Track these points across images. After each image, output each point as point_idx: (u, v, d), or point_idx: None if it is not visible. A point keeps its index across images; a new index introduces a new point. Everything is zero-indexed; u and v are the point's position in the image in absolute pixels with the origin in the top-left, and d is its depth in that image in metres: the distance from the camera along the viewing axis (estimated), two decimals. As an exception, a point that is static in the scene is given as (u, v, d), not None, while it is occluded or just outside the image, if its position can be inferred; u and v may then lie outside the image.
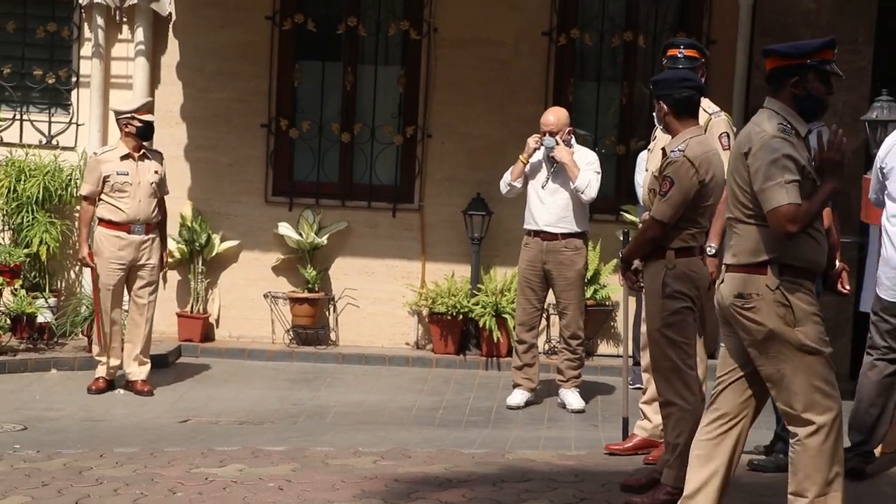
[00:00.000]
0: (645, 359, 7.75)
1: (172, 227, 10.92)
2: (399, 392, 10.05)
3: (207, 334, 11.27)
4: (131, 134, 9.69)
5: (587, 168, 9.32)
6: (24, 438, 8.27)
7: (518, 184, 9.52)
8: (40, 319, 10.73)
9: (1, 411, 9.10)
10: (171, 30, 11.32)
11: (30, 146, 11.26)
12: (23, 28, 11.40)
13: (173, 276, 11.27)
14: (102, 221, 9.69)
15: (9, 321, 10.54)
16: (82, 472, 6.99)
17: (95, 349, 9.86)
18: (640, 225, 7.69)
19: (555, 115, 9.48)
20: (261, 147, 11.32)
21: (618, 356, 10.16)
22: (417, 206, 11.25)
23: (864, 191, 7.73)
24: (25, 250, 10.83)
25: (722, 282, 5.76)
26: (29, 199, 10.89)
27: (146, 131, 9.72)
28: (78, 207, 10.51)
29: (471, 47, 11.15)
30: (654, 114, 7.18)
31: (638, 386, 8.66)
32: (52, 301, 10.89)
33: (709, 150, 6.80)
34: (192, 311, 11.19)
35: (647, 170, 7.95)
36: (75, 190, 10.96)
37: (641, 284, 6.95)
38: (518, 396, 9.50)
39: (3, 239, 11.08)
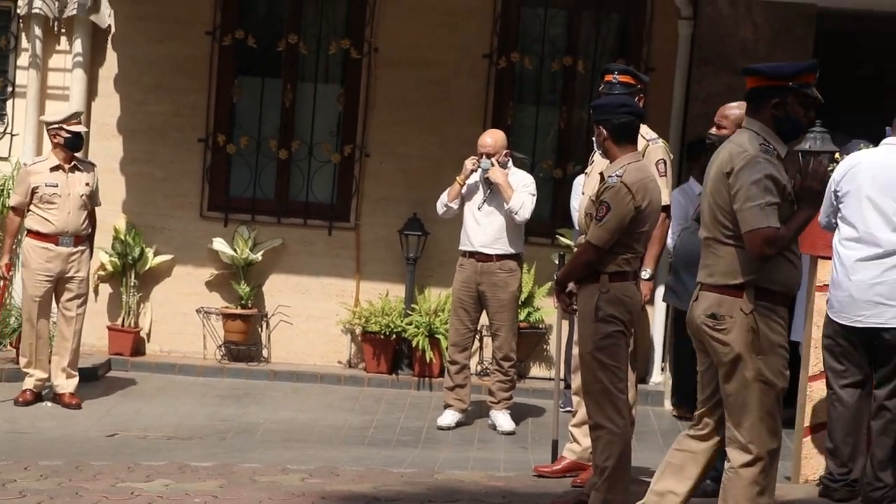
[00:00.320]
0: (576, 381, 7.77)
1: (105, 240, 10.83)
2: (330, 410, 10.00)
3: (138, 348, 11.16)
4: (60, 145, 9.59)
5: (522, 190, 9.36)
6: (-53, 449, 8.15)
7: (454, 205, 9.53)
8: (-32, 330, 10.59)
9: (-75, 422, 8.96)
10: (109, 42, 11.25)
11: (-37, 156, 11.13)
12: (-41, 36, 11.29)
13: (105, 290, 11.16)
14: (31, 233, 9.58)
15: (-65, 331, 10.39)
16: (6, 485, 6.90)
17: (23, 361, 9.73)
18: (576, 248, 7.71)
19: (492, 138, 9.51)
20: (197, 162, 11.25)
21: (549, 379, 10.17)
22: (353, 225, 11.23)
23: None
24: (-45, 260, 10.67)
25: (695, 300, 5.74)
26: (-39, 208, 10.75)
27: (75, 142, 9.61)
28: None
29: (411, 68, 11.15)
30: (594, 138, 7.21)
31: (569, 409, 8.66)
32: (-20, 312, 10.74)
33: (646, 176, 6.84)
34: (123, 325, 11.09)
35: (583, 193, 7.97)
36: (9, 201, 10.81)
37: (575, 307, 6.97)
38: (449, 417, 9.49)
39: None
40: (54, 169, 9.59)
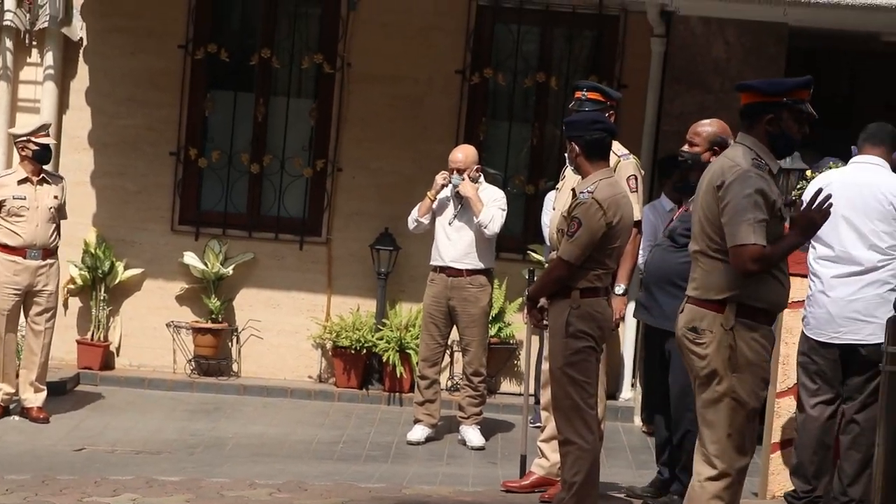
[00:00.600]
0: (545, 397, 7.80)
1: (75, 253, 10.78)
2: (300, 425, 9.97)
3: (107, 362, 11.11)
4: (28, 157, 9.56)
5: (492, 204, 9.40)
6: (-88, 463, 8.09)
7: (425, 220, 9.54)
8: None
9: None
10: (81, 55, 11.22)
11: (-68, 167, 11.05)
12: (-71, 48, 11.23)
13: (74, 303, 11.10)
14: None
15: None
16: (-30, 498, 6.85)
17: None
18: (547, 264, 7.73)
19: (463, 153, 9.53)
20: (169, 175, 11.23)
21: (519, 394, 10.16)
22: (325, 240, 11.21)
23: None
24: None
25: (681, 311, 5.76)
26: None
27: (43, 154, 9.58)
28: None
29: (384, 83, 11.15)
30: (567, 154, 7.23)
31: (538, 424, 8.67)
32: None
33: (618, 192, 6.88)
34: (92, 339, 11.03)
35: (554, 209, 8.00)
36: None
37: (546, 323, 6.99)
38: (419, 432, 9.48)
39: None
40: (22, 182, 9.55)
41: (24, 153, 9.60)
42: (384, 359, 10.72)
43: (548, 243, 8.40)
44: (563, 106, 10.46)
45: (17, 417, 9.64)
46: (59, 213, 9.67)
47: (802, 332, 7.14)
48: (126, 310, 11.20)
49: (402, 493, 7.53)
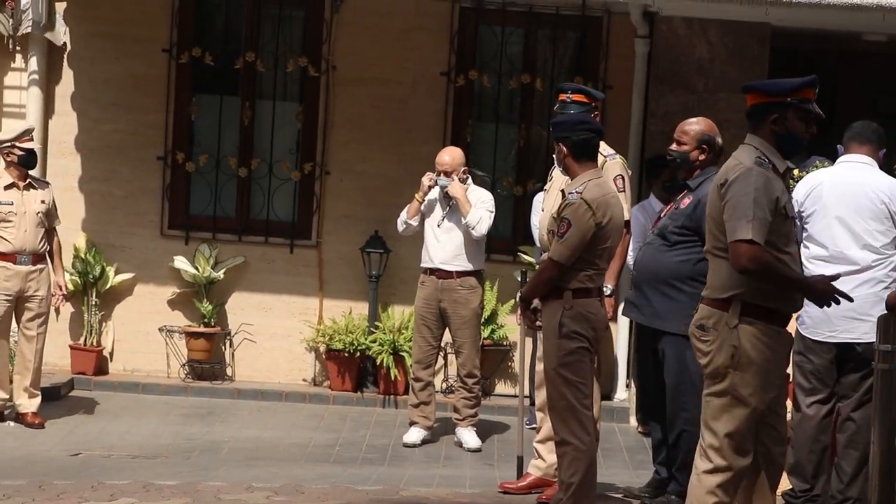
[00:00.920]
0: (540, 398, 7.81)
1: (66, 259, 10.77)
2: (295, 428, 10.01)
3: (101, 367, 11.13)
4: (14, 163, 9.60)
5: (480, 206, 9.42)
6: None
7: (414, 222, 9.58)
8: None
9: None
10: (65, 60, 11.22)
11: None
12: (-87, 55, 11.24)
13: (66, 309, 11.07)
14: None
15: None
16: (-30, 506, 6.89)
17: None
18: (538, 265, 7.78)
19: (449, 155, 9.57)
20: (156, 180, 11.24)
21: (514, 396, 10.22)
22: (315, 243, 11.23)
23: None
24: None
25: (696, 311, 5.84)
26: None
27: (28, 159, 9.61)
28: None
29: (369, 86, 11.17)
30: (555, 155, 7.28)
31: (533, 426, 8.72)
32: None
33: (607, 192, 6.91)
34: (85, 344, 11.06)
35: (543, 210, 8.05)
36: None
37: (540, 324, 7.04)
38: (414, 434, 9.53)
39: None
40: (8, 187, 9.58)
41: (9, 159, 9.63)
42: (378, 361, 10.75)
43: (538, 244, 8.44)
44: (549, 107, 10.50)
45: (11, 423, 9.67)
46: (48, 217, 9.70)
47: (797, 331, 7.16)
48: (118, 314, 11.22)
49: (399, 496, 7.57)
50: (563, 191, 7.04)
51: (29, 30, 10.93)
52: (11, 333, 9.80)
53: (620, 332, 10.68)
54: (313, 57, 11.20)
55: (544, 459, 7.76)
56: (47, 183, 9.96)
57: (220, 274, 11.05)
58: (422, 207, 9.56)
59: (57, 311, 10.71)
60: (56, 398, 10.39)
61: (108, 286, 11.08)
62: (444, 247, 9.46)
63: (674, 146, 7.52)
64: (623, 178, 7.91)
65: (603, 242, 6.83)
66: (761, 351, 5.63)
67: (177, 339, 11.18)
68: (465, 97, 11.24)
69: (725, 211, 5.58)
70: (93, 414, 10.17)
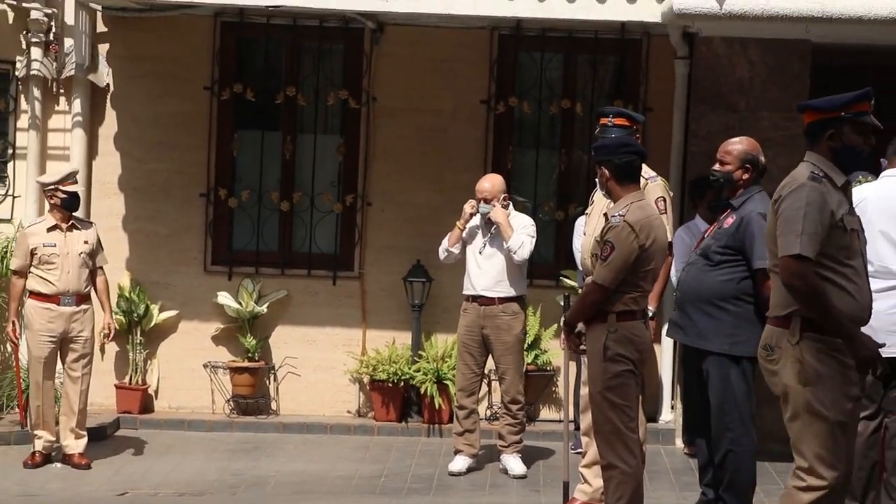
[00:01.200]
0: (585, 422, 7.80)
1: (111, 298, 10.78)
2: (340, 461, 9.97)
3: (146, 405, 11.14)
4: (56, 206, 9.63)
5: (521, 231, 9.40)
6: (-42, 514, 8.12)
7: (456, 249, 9.55)
8: (-24, 393, 10.58)
9: (-65, 486, 8.93)
10: (108, 100, 11.26)
11: (-34, 219, 11.15)
12: (-41, 100, 11.34)
13: (111, 348, 11.11)
14: (32, 294, 9.59)
15: (-56, 394, 10.38)
16: (18, 546, 6.87)
17: (31, 423, 9.71)
18: (581, 289, 7.73)
19: (490, 182, 9.55)
20: (199, 217, 11.27)
21: (559, 421, 10.13)
22: (357, 274, 11.22)
23: None
24: (-39, 323, 10.69)
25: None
26: (-35, 271, 10.76)
27: (71, 202, 9.64)
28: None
29: (409, 116, 11.17)
30: (597, 179, 7.25)
31: (579, 450, 8.65)
32: (-13, 374, 10.74)
33: (650, 214, 6.90)
34: (130, 383, 11.06)
35: (584, 234, 8.02)
36: (11, 263, 10.83)
37: (584, 348, 6.99)
38: (460, 462, 9.46)
39: (-62, 311, 10.93)
40: (52, 229, 9.61)
41: (52, 201, 9.67)
42: (422, 391, 10.71)
43: (580, 268, 8.41)
44: (590, 131, 10.47)
45: (59, 465, 9.66)
46: (92, 258, 9.71)
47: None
48: (163, 352, 11.23)
49: (446, 525, 7.52)
50: (605, 214, 7.03)
51: (72, 72, 11.00)
52: (57, 375, 9.78)
53: (664, 353, 10.62)
54: (353, 89, 11.22)
55: (590, 484, 7.71)
56: (91, 223, 9.98)
57: (264, 308, 11.05)
58: (463, 235, 9.54)
59: (102, 350, 10.73)
60: (102, 438, 10.39)
61: (153, 324, 11.10)
62: (485, 273, 9.42)
63: (717, 166, 7.52)
64: (665, 200, 7.92)
65: (646, 265, 6.83)
66: (828, 363, 5.59)
67: (221, 375, 11.18)
68: (506, 124, 11.22)
69: (777, 226, 5.58)
70: (139, 453, 10.15)
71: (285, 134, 11.29)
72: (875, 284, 6.81)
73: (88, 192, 11.12)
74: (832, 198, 5.60)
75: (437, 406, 10.69)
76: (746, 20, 9.60)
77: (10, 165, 11.29)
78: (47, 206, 9.89)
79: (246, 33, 11.30)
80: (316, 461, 9.95)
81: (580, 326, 7.02)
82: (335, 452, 10.23)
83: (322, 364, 11.17)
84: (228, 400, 11.14)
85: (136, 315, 11.02)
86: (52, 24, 11.01)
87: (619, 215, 6.81)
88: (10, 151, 11.31)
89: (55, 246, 9.56)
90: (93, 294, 9.77)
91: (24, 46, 11.03)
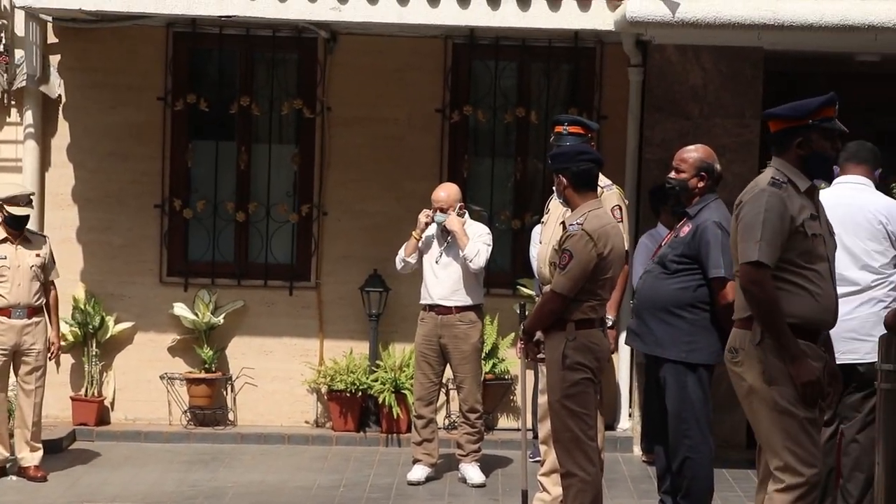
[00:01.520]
0: (543, 430, 7.81)
1: (65, 310, 10.69)
2: (298, 471, 9.91)
3: (102, 417, 11.03)
4: (2, 222, 9.53)
5: (477, 239, 9.41)
6: (-88, 529, 8.02)
7: (412, 259, 9.55)
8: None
9: None
10: (60, 111, 11.14)
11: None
12: None
13: (66, 360, 11.01)
14: None
15: None
16: (-27, 562, 6.79)
17: (-15, 436, 9.62)
18: (537, 298, 7.74)
19: (445, 191, 9.55)
20: (155, 227, 11.20)
21: (517, 429, 10.12)
22: (314, 284, 11.18)
23: None
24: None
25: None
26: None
27: (16, 223, 9.51)
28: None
29: (364, 125, 11.15)
30: (555, 187, 7.26)
31: (537, 458, 8.66)
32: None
33: (607, 223, 6.94)
34: (86, 395, 10.95)
35: (541, 242, 8.04)
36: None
37: (542, 356, 7.00)
38: (418, 472, 9.44)
39: None
40: (2, 241, 9.51)
41: (0, 216, 9.55)
42: (380, 400, 10.69)
43: (536, 277, 8.41)
44: (545, 139, 10.52)
45: (14, 478, 9.55)
46: (44, 271, 9.61)
47: None
48: (119, 364, 11.14)
49: (406, 535, 7.49)
50: (563, 222, 7.06)
51: (24, 83, 10.89)
52: (10, 388, 9.69)
53: (622, 361, 10.63)
54: (308, 99, 11.18)
55: (549, 492, 7.72)
56: (44, 237, 9.88)
57: (220, 319, 10.99)
58: (419, 244, 9.53)
59: (57, 363, 10.62)
60: (58, 451, 10.28)
61: (108, 336, 11.00)
62: (442, 283, 9.42)
63: (672, 174, 7.55)
64: (621, 209, 7.95)
65: (604, 273, 6.87)
66: None
67: (178, 386, 11.11)
68: (461, 133, 11.22)
69: (738, 233, 5.59)
70: (95, 465, 10.07)
71: (240, 144, 11.24)
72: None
73: (42, 203, 11.02)
74: (793, 203, 5.61)
75: (395, 415, 10.67)
76: (699, 28, 9.63)
77: (-39, 178, 11.18)
78: (-1, 218, 9.78)
79: (199, 43, 11.24)
80: (274, 472, 9.90)
81: (538, 335, 7.05)
82: (293, 463, 10.19)
83: (279, 374, 11.12)
84: (185, 411, 11.08)
85: (91, 327, 10.93)
86: (3, 35, 10.90)
87: (577, 224, 6.82)
88: (-39, 164, 11.20)
89: (6, 258, 9.45)
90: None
91: (-26, 58, 10.94)
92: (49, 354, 9.66)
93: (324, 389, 10.98)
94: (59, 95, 11.14)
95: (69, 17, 10.82)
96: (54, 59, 11.11)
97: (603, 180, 7.73)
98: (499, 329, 10.89)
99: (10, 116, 11.13)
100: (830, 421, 7.09)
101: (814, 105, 5.72)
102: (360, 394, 10.77)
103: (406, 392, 10.58)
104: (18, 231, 9.55)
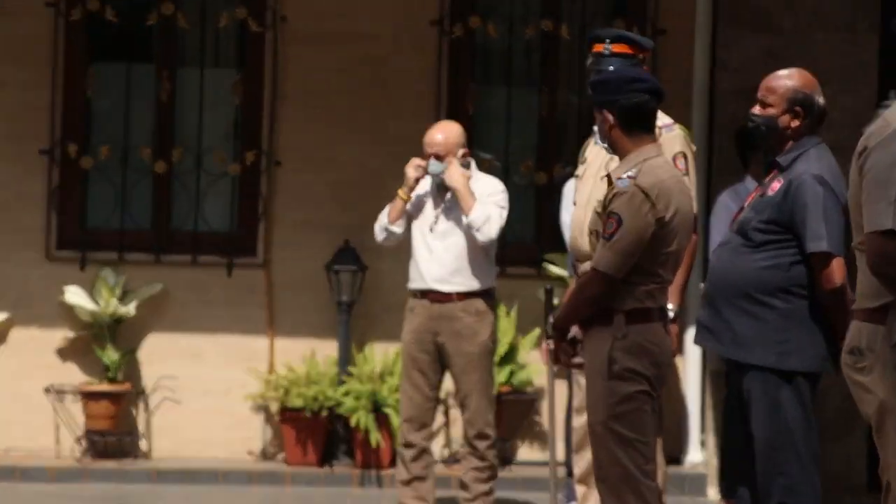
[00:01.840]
0: (581, 465, 7.83)
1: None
2: (239, 522, 9.99)
3: (-35, 447, 11.10)
4: None
5: (487, 200, 9.38)
6: None
7: (398, 227, 9.52)
8: None
9: None
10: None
11: None
12: None
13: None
14: None
15: None
16: None
17: None
18: (573, 280, 7.70)
19: (443, 133, 9.53)
20: (40, 182, 11.23)
21: (544, 463, 10.11)
22: (262, 261, 11.26)
23: None
24: None
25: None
26: None
27: None
28: None
29: (333, 43, 11.21)
30: (595, 127, 7.22)
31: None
32: None
33: (670, 176, 6.97)
34: (-58, 415, 11.00)
35: (576, 204, 8.02)
36: None
37: (580, 361, 6.95)
38: (407, 522, 9.44)
39: None
40: None
41: None
42: (353, 423, 10.74)
43: (570, 251, 8.42)
44: (580, 61, 10.45)
45: None
46: None
47: None
48: (-13, 372, 11.20)
49: None
50: (608, 176, 7.04)
51: None
52: None
53: (689, 368, 10.73)
54: (254, 6, 11.26)
55: (590, 552, 7.68)
56: None
57: (131, 309, 11.03)
58: (408, 207, 9.48)
59: None
60: None
61: (-26, 333, 11.09)
62: (439, 259, 9.40)
63: (756, 109, 7.55)
64: (686, 157, 7.98)
65: (666, 245, 6.85)
66: None
67: (70, 403, 11.15)
68: (465, 53, 11.34)
69: (864, 191, 5.53)
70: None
71: (160, 68, 11.36)
72: None
73: None
74: None
75: (373, 444, 10.72)
76: None
77: None
78: None
79: (103, -72, 11.30)
80: (204, 522, 9.96)
81: (574, 331, 7.02)
82: (231, 509, 10.23)
83: (213, 387, 11.15)
84: (80, 438, 11.11)
85: (-50, 321, 11.00)
86: None
87: (628, 177, 6.80)
88: None
89: None
90: None
91: None
92: None
93: (274, 407, 11.04)
94: None
95: None
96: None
97: (662, 118, 7.73)
98: (518, 324, 10.95)
99: None
100: None
101: None
102: (324, 413, 10.81)
103: (389, 411, 10.63)
104: None
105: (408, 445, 9.44)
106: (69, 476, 10.85)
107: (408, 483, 9.44)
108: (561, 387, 8.55)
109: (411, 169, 9.48)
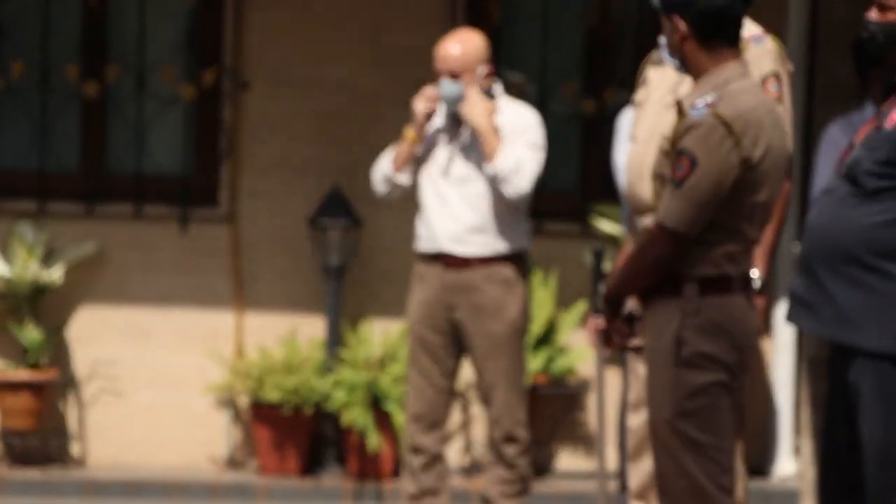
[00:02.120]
0: (639, 474, 7.88)
1: None
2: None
3: None
4: None
5: (517, 139, 9.44)
6: None
7: (405, 178, 9.55)
8: None
9: None
10: None
11: None
12: None
13: None
14: None
15: None
16: None
17: None
18: (630, 238, 7.81)
19: (460, 45, 9.58)
20: (-66, 109, 11.33)
21: (590, 475, 10.23)
22: (225, 213, 11.39)
23: None
24: None
25: None
26: None
27: None
28: None
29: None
30: (662, 40, 7.29)
31: (629, 525, 8.77)
32: None
33: (760, 103, 6.94)
34: None
35: (633, 140, 8.08)
36: None
37: (638, 343, 7.05)
38: (415, 550, 9.57)
39: None
40: None
41: None
42: (344, 422, 10.86)
43: (626, 201, 8.48)
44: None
45: None
46: None
47: None
48: None
49: None
50: (678, 103, 7.06)
51: None
52: None
53: (780, 353, 10.82)
54: None
55: (652, 587, 7.79)
56: None
57: (57, 275, 11.13)
58: (416, 150, 9.54)
59: None
60: None
61: None
62: (454, 213, 9.48)
63: (873, 14, 7.54)
64: (779, 79, 7.93)
65: (753, 194, 6.85)
66: None
67: (-21, 396, 11.24)
68: (488, -56, 11.36)
69: None
70: None
71: (90, -40, 11.37)
72: None
73: None
74: None
75: (371, 448, 10.82)
76: None
77: None
78: None
79: None
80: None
81: (631, 305, 7.08)
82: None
83: (163, 375, 11.27)
84: (-7, 440, 11.22)
85: None
86: None
87: (706, 105, 6.83)
88: None
89: None
90: None
91: None
92: None
93: (244, 402, 11.16)
94: None
95: None
96: None
97: (750, 27, 7.77)
98: (558, 296, 11.06)
99: None
100: None
101: None
102: (308, 409, 10.91)
103: (391, 407, 10.74)
104: None
105: (416, 450, 9.51)
106: (-21, 488, 11.01)
107: (416, 498, 9.53)
108: (613, 377, 8.59)
109: (421, 103, 9.49)
